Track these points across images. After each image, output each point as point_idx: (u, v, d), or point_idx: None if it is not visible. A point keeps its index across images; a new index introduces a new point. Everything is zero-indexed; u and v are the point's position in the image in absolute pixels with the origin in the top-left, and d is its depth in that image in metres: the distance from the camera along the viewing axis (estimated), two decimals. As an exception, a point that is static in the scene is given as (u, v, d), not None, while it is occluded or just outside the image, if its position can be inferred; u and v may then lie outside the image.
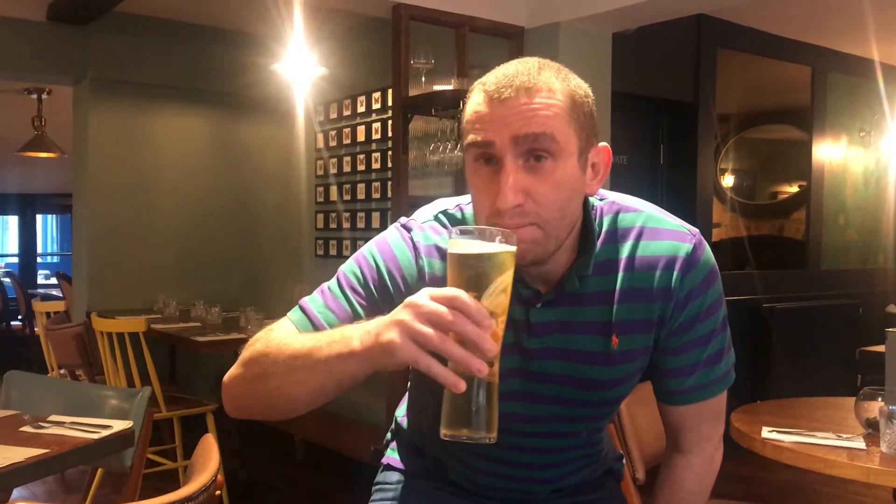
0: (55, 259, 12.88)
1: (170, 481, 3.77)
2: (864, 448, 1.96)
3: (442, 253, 1.13)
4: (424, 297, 0.87)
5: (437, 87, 3.54)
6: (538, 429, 1.19)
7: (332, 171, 5.37)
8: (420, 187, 4.26)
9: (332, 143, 5.39)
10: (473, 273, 0.90)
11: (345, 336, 0.96)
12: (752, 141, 5.64)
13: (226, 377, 1.18)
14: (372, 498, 1.42)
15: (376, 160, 4.96)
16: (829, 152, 5.71)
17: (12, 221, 11.74)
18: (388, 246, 1.20)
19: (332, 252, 5.38)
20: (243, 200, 5.52)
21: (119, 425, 1.99)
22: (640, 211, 1.15)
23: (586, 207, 1.12)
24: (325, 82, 4.74)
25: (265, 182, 5.62)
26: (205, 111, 5.44)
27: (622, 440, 2.16)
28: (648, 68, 4.57)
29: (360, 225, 5.09)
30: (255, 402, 1.15)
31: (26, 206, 10.89)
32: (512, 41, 3.85)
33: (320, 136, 5.50)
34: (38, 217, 11.66)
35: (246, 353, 1.15)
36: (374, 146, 5.01)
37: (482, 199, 1.05)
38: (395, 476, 1.40)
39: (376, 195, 4.97)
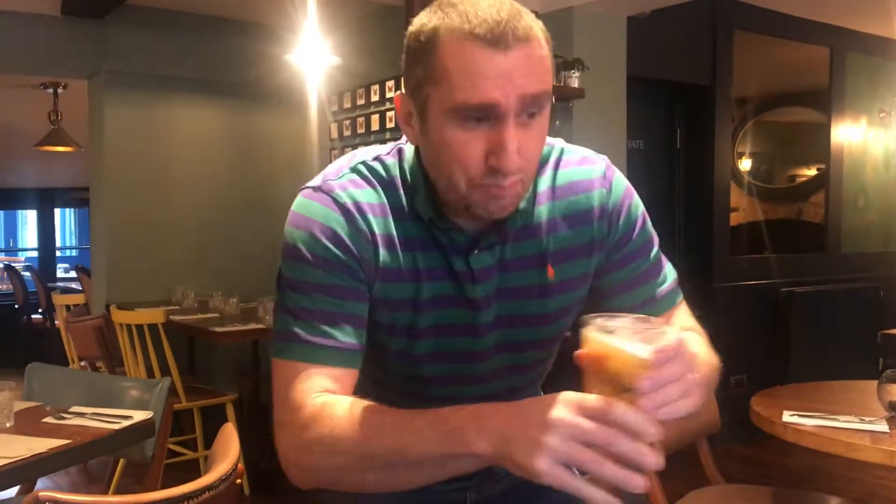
0: (74, 252, 12.99)
1: (191, 471, 3.79)
2: (888, 431, 1.94)
3: (371, 210, 1.02)
4: (570, 412, 0.75)
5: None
6: (491, 388, 1.11)
7: (347, 160, 5.36)
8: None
9: (347, 133, 5.38)
10: (631, 372, 0.75)
11: (452, 427, 0.83)
12: (769, 124, 5.57)
13: (288, 454, 1.00)
14: None
15: (391, 149, 4.95)
16: (848, 134, 5.65)
17: (31, 216, 11.83)
18: (316, 225, 1.01)
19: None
20: (258, 191, 5.53)
21: (139, 416, 2.01)
22: (551, 144, 1.11)
23: None
24: (339, 72, 4.73)
25: (279, 172, 5.63)
26: (219, 102, 5.45)
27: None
28: (664, 52, 4.52)
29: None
30: (338, 485, 1.00)
31: (44, 201, 10.96)
32: (525, 27, 3.82)
33: (334, 127, 5.50)
34: (57, 211, 11.75)
35: (305, 435, 0.95)
36: (388, 135, 5.00)
37: (468, 159, 0.92)
38: None
39: (391, 184, 4.96)
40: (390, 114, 4.95)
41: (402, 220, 1.03)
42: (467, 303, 1.06)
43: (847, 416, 2.03)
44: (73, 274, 10.01)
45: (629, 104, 4.01)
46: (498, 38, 0.89)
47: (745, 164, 5.44)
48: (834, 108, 5.53)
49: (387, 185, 1.05)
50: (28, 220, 12.48)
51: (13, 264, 9.82)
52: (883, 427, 1.96)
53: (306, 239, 1.01)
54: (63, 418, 1.99)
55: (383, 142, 5.40)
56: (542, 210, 1.07)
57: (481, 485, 1.22)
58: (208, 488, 1.40)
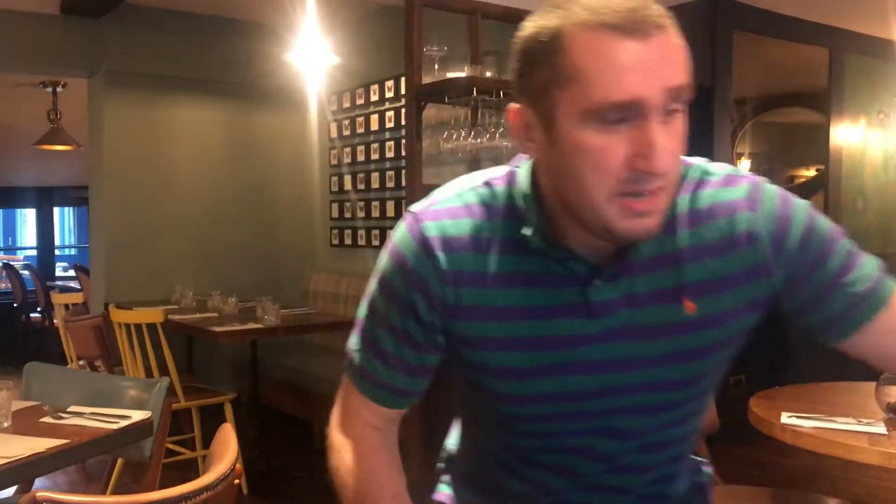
0: (73, 251, 12.98)
1: (189, 471, 3.79)
2: (886, 433, 1.94)
3: (462, 245, 0.96)
4: None
5: (450, 75, 3.52)
6: (612, 423, 1.01)
7: (346, 160, 5.37)
8: (434, 175, 4.25)
9: (346, 133, 5.39)
10: None
11: None
12: (768, 125, 5.58)
13: (329, 450, 1.09)
14: None
15: (390, 149, 4.95)
16: (847, 135, 5.65)
17: (30, 214, 11.83)
18: (399, 257, 0.99)
19: (347, 241, 5.38)
20: (258, 190, 5.53)
21: (138, 415, 2.01)
22: (690, 164, 0.99)
23: None
24: (338, 71, 4.73)
25: (279, 172, 5.63)
26: (219, 102, 5.44)
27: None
28: (663, 52, 4.52)
29: (375, 214, 5.10)
30: None
31: (43, 199, 10.96)
32: (525, 27, 3.82)
33: (334, 126, 5.50)
34: (56, 210, 11.74)
35: (331, 455, 1.08)
36: (387, 135, 5.00)
37: (609, 165, 0.83)
38: None
39: (390, 184, 4.97)
40: (389, 113, 4.96)
41: (505, 253, 0.96)
42: (581, 340, 0.96)
43: (845, 417, 2.03)
44: (71, 273, 10.00)
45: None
46: (635, 25, 0.80)
47: (744, 165, 5.45)
48: (833, 109, 5.53)
49: (492, 214, 0.97)
50: (27, 219, 12.47)
51: (12, 263, 9.81)
52: (881, 429, 1.96)
53: (389, 270, 1.00)
54: (61, 418, 1.99)
55: (382, 142, 5.43)
56: (680, 237, 0.95)
57: None
58: (206, 488, 1.40)
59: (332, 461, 1.07)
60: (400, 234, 1.00)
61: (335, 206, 5.50)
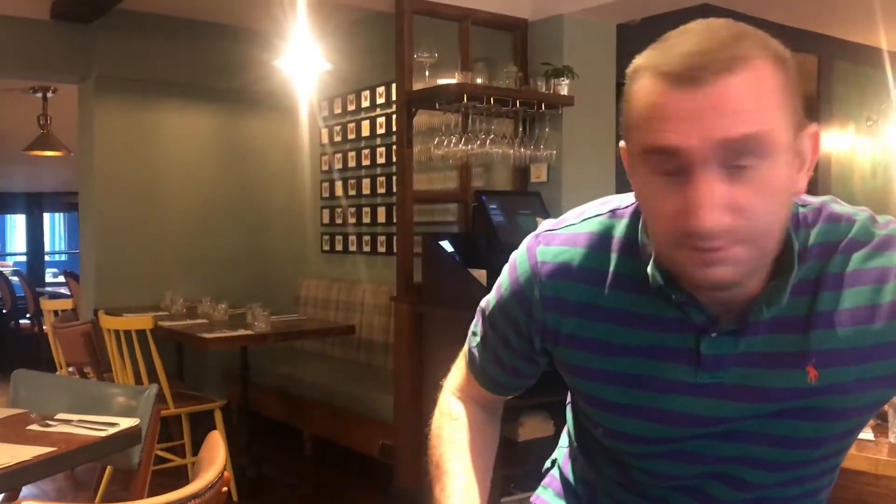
0: (63, 257, 12.93)
1: (179, 477, 3.77)
2: (873, 439, 1.95)
3: (572, 275, 0.96)
4: None
5: (440, 81, 3.53)
6: (725, 471, 0.96)
7: (337, 166, 5.37)
8: (425, 181, 4.26)
9: (337, 139, 5.39)
10: None
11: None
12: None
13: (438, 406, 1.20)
14: None
15: (381, 155, 4.95)
16: (836, 142, 5.68)
17: (20, 220, 11.78)
18: (514, 271, 1.03)
19: (338, 247, 5.38)
20: (249, 196, 5.52)
21: (126, 423, 2.00)
22: (853, 220, 0.90)
23: None
24: (330, 77, 4.73)
25: (270, 178, 5.62)
26: (209, 108, 5.44)
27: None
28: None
29: (366, 220, 5.09)
30: None
31: (33, 205, 10.92)
32: (515, 34, 3.83)
33: (325, 132, 5.50)
34: (46, 215, 11.70)
35: (435, 410, 1.19)
36: (378, 141, 5.00)
37: (666, 217, 0.81)
38: None
39: (381, 190, 4.97)
40: (381, 120, 4.96)
41: (618, 288, 0.94)
42: (687, 388, 0.92)
43: (833, 423, 2.03)
44: (61, 279, 9.96)
45: (618, 110, 4.02)
46: (690, 72, 0.77)
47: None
48: (822, 115, 5.56)
49: (611, 246, 0.95)
50: (17, 225, 12.42)
51: (1, 269, 9.76)
52: (868, 435, 1.97)
53: (505, 280, 1.05)
54: (48, 425, 1.98)
55: (373, 148, 5.42)
56: (817, 299, 0.88)
57: None
58: (194, 496, 1.39)
59: (434, 422, 1.16)
60: (521, 250, 1.03)
61: (326, 212, 5.50)
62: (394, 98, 4.24)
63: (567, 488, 1.19)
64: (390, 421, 3.76)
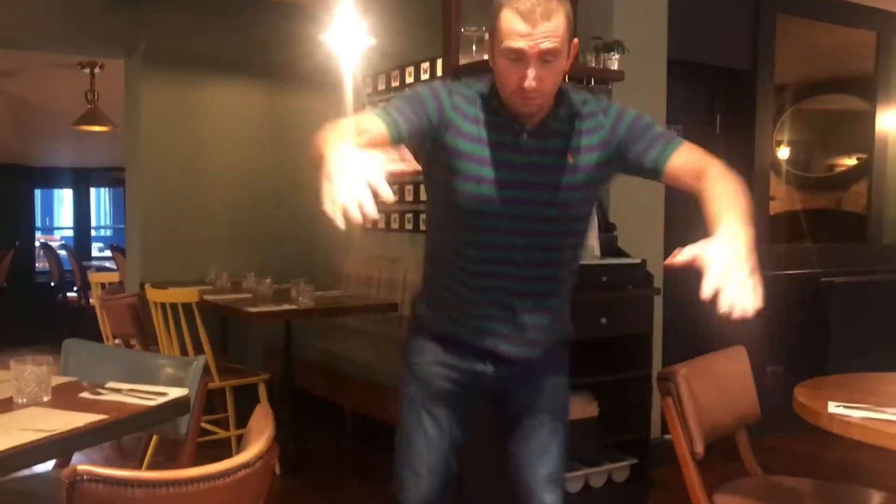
0: (108, 232, 13.13)
1: (222, 450, 3.82)
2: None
3: (462, 96, 1.75)
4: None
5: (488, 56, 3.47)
6: (524, 226, 1.75)
7: (381, 143, 5.33)
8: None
9: (381, 115, 5.35)
10: None
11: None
12: (809, 112, 5.45)
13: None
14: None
15: (425, 132, 4.91)
16: (893, 122, 5.51)
17: (67, 195, 11.97)
18: (434, 84, 1.77)
19: (381, 225, 5.37)
20: (292, 172, 5.52)
21: (175, 393, 2.01)
22: (584, 92, 1.85)
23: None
24: (374, 53, 4.69)
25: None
26: (254, 84, 5.45)
27: (680, 414, 2.11)
28: (705, 35, 4.43)
29: (409, 198, 5.07)
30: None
31: (80, 180, 11.07)
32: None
33: (369, 108, 5.47)
34: (92, 190, 11.87)
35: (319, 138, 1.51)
36: (422, 117, 4.96)
37: (510, 80, 1.63)
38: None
39: (425, 167, 4.93)
40: (425, 96, 4.91)
41: (480, 108, 1.74)
42: (509, 164, 1.72)
43: (895, 408, 1.96)
44: (107, 253, 10.12)
45: (669, 87, 3.93)
46: (532, 14, 1.58)
47: (783, 153, 5.33)
48: (879, 95, 5.39)
49: (479, 89, 1.76)
50: (64, 200, 12.63)
51: (49, 243, 9.95)
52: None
53: (421, 86, 1.75)
54: (99, 394, 1.99)
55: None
56: (574, 123, 1.76)
57: (511, 336, 1.84)
58: (244, 466, 1.39)
59: (315, 142, 1.45)
60: (441, 85, 1.78)
61: (369, 189, 5.47)
62: (439, 73, 4.19)
63: (422, 320, 1.99)
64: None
